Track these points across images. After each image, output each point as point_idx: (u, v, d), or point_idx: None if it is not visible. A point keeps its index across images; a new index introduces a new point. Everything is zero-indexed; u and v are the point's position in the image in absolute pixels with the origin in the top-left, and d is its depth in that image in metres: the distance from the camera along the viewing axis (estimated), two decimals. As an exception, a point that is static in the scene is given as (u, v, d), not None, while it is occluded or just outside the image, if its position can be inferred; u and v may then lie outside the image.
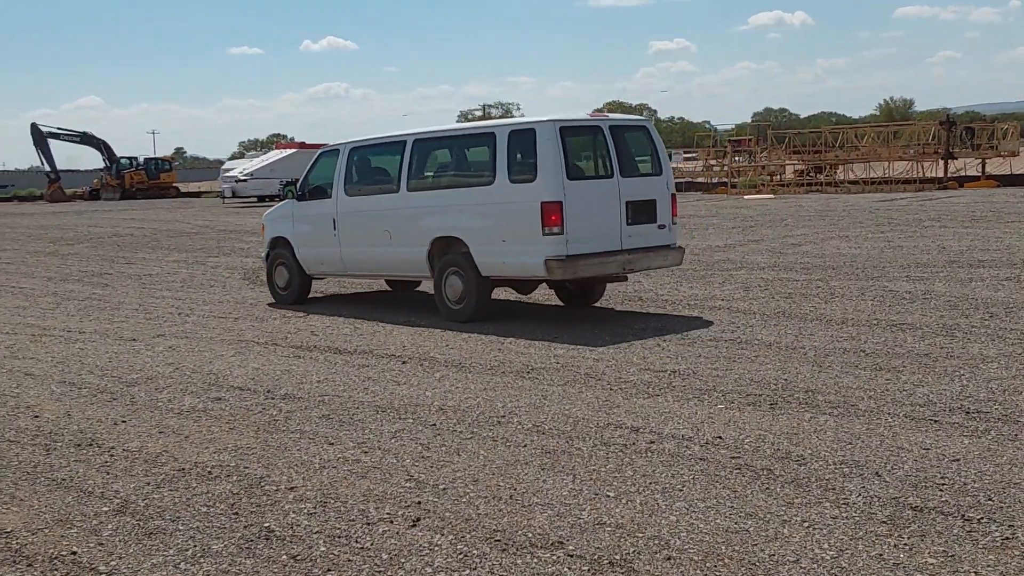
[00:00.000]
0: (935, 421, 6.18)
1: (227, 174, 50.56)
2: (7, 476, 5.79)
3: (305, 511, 5.00)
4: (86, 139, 65.59)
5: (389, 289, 13.98)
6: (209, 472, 5.71)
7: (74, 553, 4.59)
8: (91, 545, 4.68)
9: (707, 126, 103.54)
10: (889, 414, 6.36)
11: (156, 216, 37.19)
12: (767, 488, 5.08)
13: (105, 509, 5.16)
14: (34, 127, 63.41)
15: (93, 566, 4.44)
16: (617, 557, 4.30)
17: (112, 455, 6.14)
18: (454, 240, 10.83)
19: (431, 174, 11.75)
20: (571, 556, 4.33)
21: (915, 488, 5.00)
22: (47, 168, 63.89)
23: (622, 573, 4.16)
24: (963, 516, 4.60)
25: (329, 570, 4.30)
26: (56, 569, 4.43)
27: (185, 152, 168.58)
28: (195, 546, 4.61)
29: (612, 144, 10.44)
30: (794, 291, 11.94)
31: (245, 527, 4.82)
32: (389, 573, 4.26)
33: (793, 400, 6.81)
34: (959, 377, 7.29)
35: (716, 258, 15.96)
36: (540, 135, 10.11)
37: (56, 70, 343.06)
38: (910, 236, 18.03)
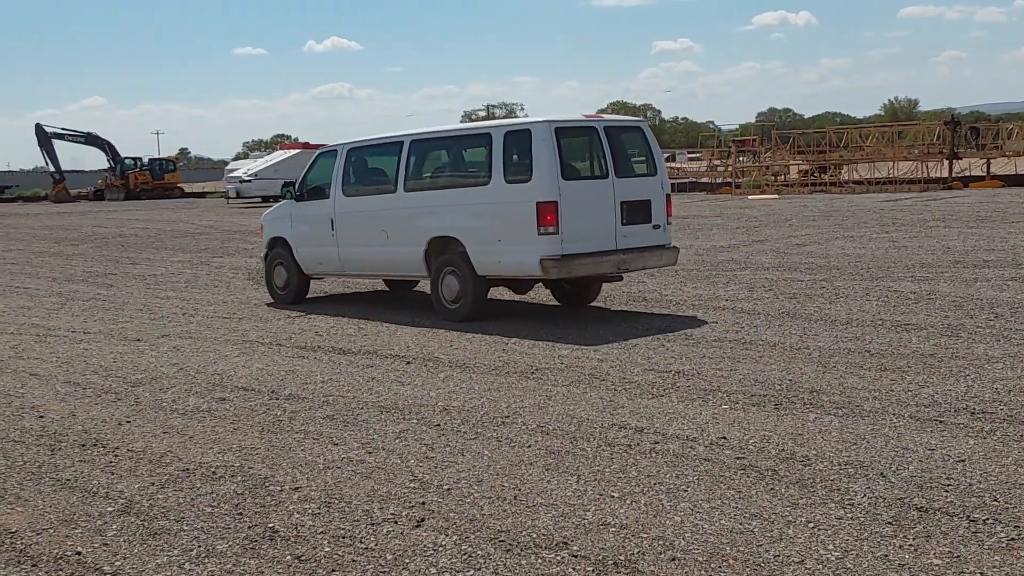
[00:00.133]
0: (940, 422, 6.17)
1: (231, 174, 50.53)
2: (12, 476, 5.80)
3: (309, 511, 5.00)
4: (90, 139, 65.71)
5: (387, 289, 14.02)
6: (213, 472, 5.71)
7: (79, 553, 4.59)
8: (95, 545, 4.68)
9: (711, 126, 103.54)
10: (894, 415, 6.35)
11: (160, 216, 37.26)
12: (772, 489, 5.07)
13: (109, 509, 5.16)
14: (39, 128, 63.54)
15: (97, 566, 4.44)
16: (621, 558, 4.30)
17: (116, 455, 6.15)
18: (451, 240, 10.89)
19: (428, 174, 11.84)
20: (575, 557, 4.32)
21: (920, 489, 4.99)
22: (51, 169, 64.00)
23: (626, 574, 4.15)
24: (968, 517, 4.59)
25: (333, 570, 4.30)
26: (61, 569, 4.43)
27: (189, 152, 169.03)
28: (199, 546, 4.61)
29: (607, 145, 10.51)
30: (798, 291, 11.93)
31: (249, 527, 4.82)
32: (393, 573, 4.26)
33: (798, 400, 6.80)
34: (964, 377, 7.27)
35: (720, 258, 15.94)
36: (535, 136, 10.17)
37: (60, 71, 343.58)
38: (915, 236, 18.00)
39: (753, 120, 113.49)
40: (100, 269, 18.67)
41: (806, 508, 4.79)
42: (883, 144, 40.61)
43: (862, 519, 4.62)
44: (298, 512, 5.00)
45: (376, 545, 4.54)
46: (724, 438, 5.98)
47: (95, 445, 6.39)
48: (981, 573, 4.03)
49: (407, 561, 4.36)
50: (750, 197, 35.95)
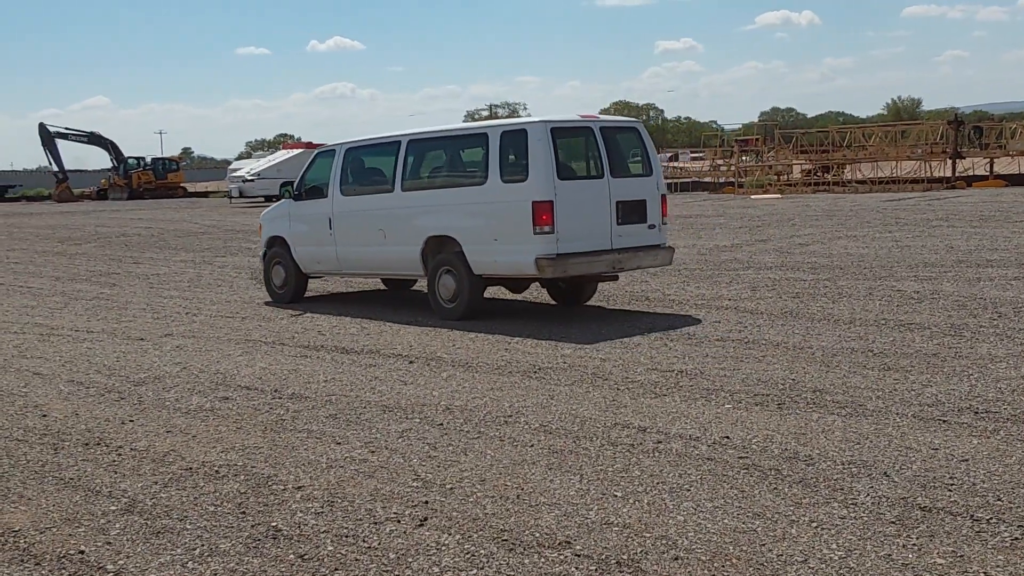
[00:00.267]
0: (944, 421, 6.16)
1: (234, 174, 50.52)
2: (15, 475, 5.81)
3: (312, 510, 5.01)
4: (94, 139, 65.74)
5: (386, 288, 14.05)
6: (216, 471, 5.71)
7: (82, 552, 4.59)
8: (99, 544, 4.68)
9: (714, 126, 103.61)
10: (897, 414, 6.34)
11: (163, 216, 37.29)
12: (775, 488, 5.07)
13: (113, 508, 5.17)
14: (42, 127, 63.59)
15: (101, 565, 4.45)
16: (624, 557, 4.29)
17: (120, 454, 6.15)
18: (447, 239, 10.92)
19: (425, 174, 11.88)
20: (578, 556, 4.32)
21: (924, 488, 4.98)
22: (55, 168, 64.02)
23: (629, 573, 4.15)
24: (972, 516, 4.59)
25: (336, 569, 4.30)
26: (64, 568, 4.44)
27: (192, 152, 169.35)
28: (203, 545, 4.62)
29: (603, 145, 10.56)
30: (801, 291, 11.92)
31: (252, 526, 4.83)
32: (396, 572, 4.26)
33: (801, 400, 6.80)
34: (968, 377, 7.26)
35: (723, 258, 15.94)
36: (531, 136, 10.22)
37: (63, 70, 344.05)
38: (918, 236, 17.98)
39: (756, 120, 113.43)
40: (103, 268, 18.69)
41: (809, 507, 4.78)
42: (886, 144, 40.59)
43: (865, 519, 4.61)
44: (301, 511, 5.00)
45: (379, 544, 4.54)
46: (727, 437, 5.98)
47: (98, 444, 6.40)
48: (985, 573, 4.02)
49: (410, 560, 4.36)
50: (753, 197, 35.93)
